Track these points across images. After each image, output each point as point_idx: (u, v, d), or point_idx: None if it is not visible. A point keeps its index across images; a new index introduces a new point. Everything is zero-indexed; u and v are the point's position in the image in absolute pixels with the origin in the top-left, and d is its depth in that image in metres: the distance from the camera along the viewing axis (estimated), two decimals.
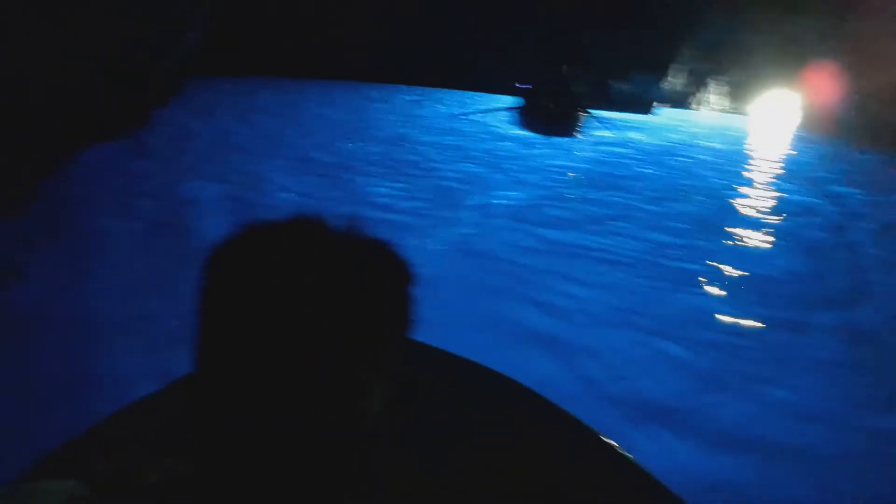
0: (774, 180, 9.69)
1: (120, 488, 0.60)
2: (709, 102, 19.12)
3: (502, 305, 3.97)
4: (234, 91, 13.87)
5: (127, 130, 7.36)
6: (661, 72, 17.49)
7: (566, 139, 11.41)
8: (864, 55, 15.28)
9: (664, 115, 17.45)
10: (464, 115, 13.21)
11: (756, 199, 7.95)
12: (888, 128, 13.88)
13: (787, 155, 12.94)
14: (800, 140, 15.27)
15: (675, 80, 18.20)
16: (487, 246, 5.15)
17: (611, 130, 12.45)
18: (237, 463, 0.57)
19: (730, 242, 5.94)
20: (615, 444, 0.93)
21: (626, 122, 14.83)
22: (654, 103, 17.63)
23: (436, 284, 4.10)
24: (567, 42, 16.57)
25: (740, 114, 18.76)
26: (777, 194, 8.54)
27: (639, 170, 9.41)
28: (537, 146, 10.60)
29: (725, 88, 18.85)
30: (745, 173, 10.07)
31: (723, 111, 19.04)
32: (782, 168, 11.04)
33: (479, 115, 13.11)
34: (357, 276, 0.59)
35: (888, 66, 14.65)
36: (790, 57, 17.13)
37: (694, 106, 19.08)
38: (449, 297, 3.76)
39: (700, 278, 4.79)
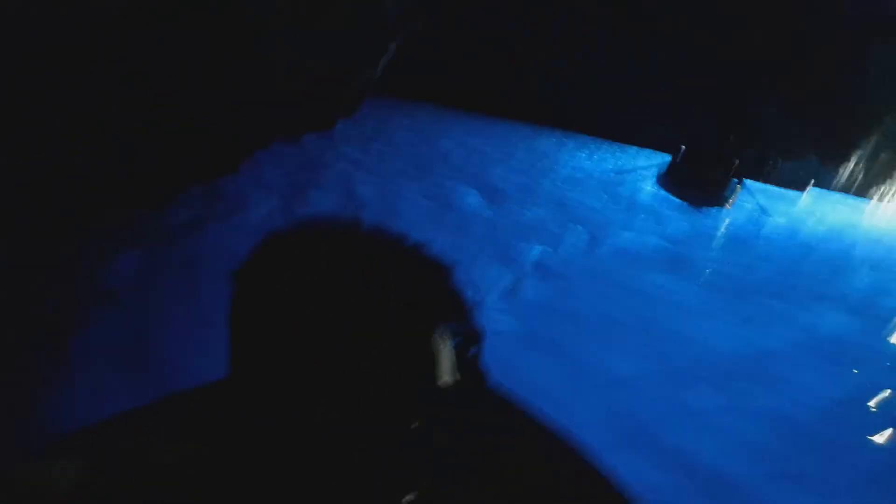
0: None
1: (129, 471, 0.62)
2: (893, 195, 17.44)
3: None
4: (398, 113, 14.73)
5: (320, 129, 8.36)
6: (841, 156, 16.19)
7: (715, 208, 10.94)
8: None
9: (829, 200, 16.13)
10: (620, 172, 13.06)
11: None
12: None
13: None
14: None
15: (856, 168, 16.74)
16: None
17: (761, 207, 11.78)
18: (265, 452, 0.58)
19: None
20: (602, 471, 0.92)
21: (780, 197, 13.95)
22: (811, 182, 16.41)
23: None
24: (734, 111, 15.91)
25: None
26: None
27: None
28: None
29: None
30: None
31: None
32: None
33: (634, 171, 12.88)
34: (377, 281, 0.58)
35: None
36: None
37: (875, 198, 17.47)
38: None
39: None
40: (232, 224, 5.16)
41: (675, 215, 9.81)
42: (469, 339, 0.64)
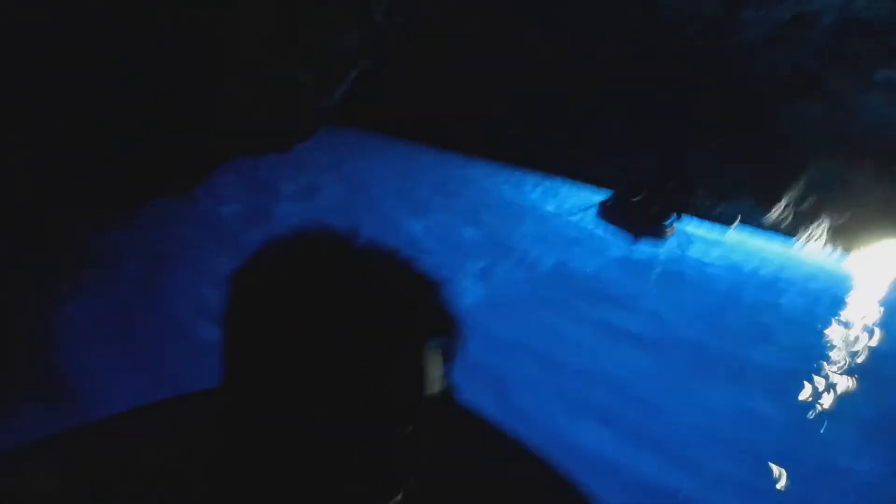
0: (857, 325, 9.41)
1: (106, 479, 0.61)
2: (817, 242, 18.61)
3: None
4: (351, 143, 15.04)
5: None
6: (768, 199, 17.40)
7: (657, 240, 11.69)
8: None
9: (760, 237, 17.31)
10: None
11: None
12: None
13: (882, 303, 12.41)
14: None
15: (783, 213, 17.95)
16: None
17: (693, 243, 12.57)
18: (260, 456, 0.58)
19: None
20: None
21: (713, 239, 14.91)
22: (738, 218, 17.54)
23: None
24: (675, 153, 16.86)
25: (844, 255, 18.14)
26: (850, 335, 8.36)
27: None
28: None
29: (835, 228, 18.33)
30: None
31: (826, 249, 18.48)
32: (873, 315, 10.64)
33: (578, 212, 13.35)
34: (377, 287, 0.59)
35: None
36: None
37: (800, 241, 18.64)
38: None
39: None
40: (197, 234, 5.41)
41: (615, 245, 10.57)
42: (448, 352, 0.67)
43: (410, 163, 14.86)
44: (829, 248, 18.35)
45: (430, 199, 10.82)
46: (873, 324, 9.41)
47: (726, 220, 17.77)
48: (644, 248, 11.16)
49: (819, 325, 8.48)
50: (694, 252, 12.52)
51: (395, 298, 0.59)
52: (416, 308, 0.60)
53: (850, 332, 8.44)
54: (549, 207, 13.64)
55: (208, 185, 6.63)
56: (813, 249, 18.19)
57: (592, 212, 12.87)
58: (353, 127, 15.51)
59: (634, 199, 11.96)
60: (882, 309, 11.33)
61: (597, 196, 13.97)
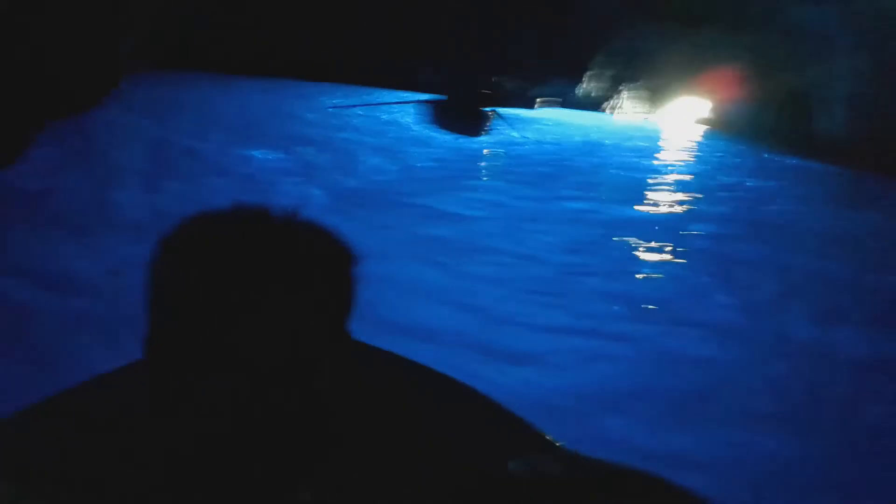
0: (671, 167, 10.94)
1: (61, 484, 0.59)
2: (622, 108, 20.33)
3: None
4: None
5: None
6: (576, 77, 18.73)
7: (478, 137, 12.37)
8: (760, 64, 16.65)
9: (578, 117, 18.70)
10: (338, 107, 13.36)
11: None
12: (779, 128, 15.29)
13: (689, 151, 14.27)
14: (704, 141, 16.61)
15: (590, 86, 19.42)
16: None
17: (517, 130, 13.39)
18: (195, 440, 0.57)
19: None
20: (560, 444, 0.84)
21: (533, 119, 16.04)
22: (537, 100, 18.79)
23: None
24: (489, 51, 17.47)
25: (652, 118, 20.05)
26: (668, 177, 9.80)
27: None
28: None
29: (638, 94, 20.10)
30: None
31: (636, 115, 20.29)
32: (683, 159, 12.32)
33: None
34: (300, 257, 0.59)
35: (779, 74, 16.04)
36: (696, 65, 18.44)
37: (608, 111, 20.28)
38: None
39: None
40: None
41: (442, 141, 11.22)
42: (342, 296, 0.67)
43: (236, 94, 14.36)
44: (637, 111, 20.18)
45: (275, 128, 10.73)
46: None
47: (540, 102, 18.96)
48: (472, 140, 11.87)
49: (642, 168, 10.67)
50: (523, 133, 13.34)
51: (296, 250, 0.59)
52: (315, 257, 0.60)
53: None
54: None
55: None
56: (623, 115, 19.94)
57: (414, 115, 13.14)
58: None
59: (451, 97, 12.43)
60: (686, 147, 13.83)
61: (411, 98, 14.15)
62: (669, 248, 6.24)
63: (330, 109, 13.14)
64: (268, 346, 0.54)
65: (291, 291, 0.57)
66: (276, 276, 0.56)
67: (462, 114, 12.29)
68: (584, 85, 19.28)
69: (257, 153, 8.64)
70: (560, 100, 18.87)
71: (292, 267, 0.58)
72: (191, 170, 7.39)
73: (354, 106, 13.72)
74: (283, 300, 0.56)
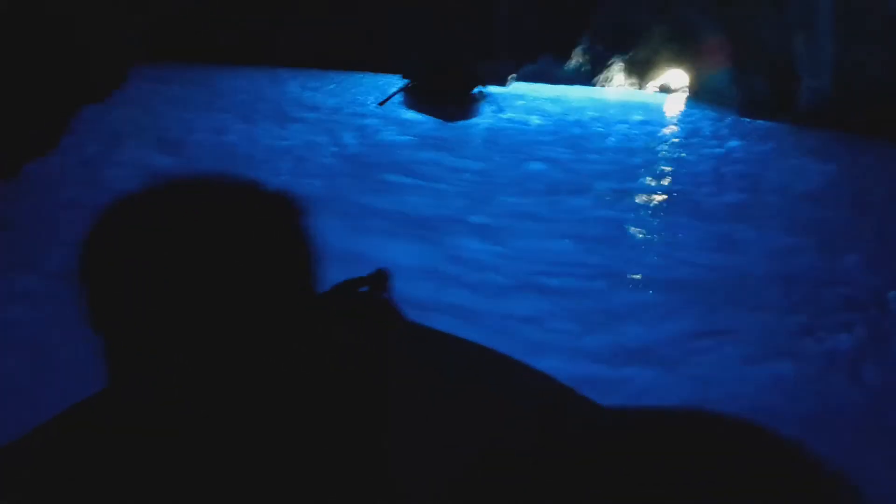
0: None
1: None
2: (613, 81, 20.64)
3: None
4: None
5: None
6: (565, 53, 19.04)
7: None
8: (741, 36, 16.95)
9: (573, 92, 18.95)
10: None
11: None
12: (758, 97, 15.69)
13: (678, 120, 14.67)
14: (687, 110, 17.02)
15: (580, 61, 19.73)
16: None
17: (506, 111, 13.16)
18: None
19: None
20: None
21: (523, 96, 16.24)
22: (510, 77, 18.66)
23: None
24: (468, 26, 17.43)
25: (641, 89, 20.37)
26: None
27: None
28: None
29: (628, 67, 20.40)
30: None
31: (628, 87, 20.60)
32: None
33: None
34: (246, 216, 0.55)
35: (759, 46, 16.34)
36: (683, 37, 18.72)
37: (600, 84, 20.58)
38: None
39: None
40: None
41: (433, 129, 11.17)
42: (379, 283, 0.67)
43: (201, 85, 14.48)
44: (629, 83, 20.48)
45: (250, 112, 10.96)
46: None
47: (530, 79, 19.16)
48: (463, 124, 11.46)
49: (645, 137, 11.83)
50: (513, 113, 13.18)
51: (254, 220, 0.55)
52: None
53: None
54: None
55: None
56: (614, 87, 20.23)
57: (398, 101, 12.49)
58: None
59: (435, 82, 11.97)
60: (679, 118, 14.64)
61: (394, 84, 13.68)
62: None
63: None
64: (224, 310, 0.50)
65: (242, 252, 0.53)
66: (225, 240, 0.52)
67: (444, 97, 11.82)
68: (574, 60, 19.57)
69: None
70: (551, 75, 19.04)
71: (238, 228, 0.54)
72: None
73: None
74: (234, 261, 0.52)
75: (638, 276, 5.08)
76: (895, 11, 12.15)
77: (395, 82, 13.65)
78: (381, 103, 12.14)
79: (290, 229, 0.57)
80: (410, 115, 11.71)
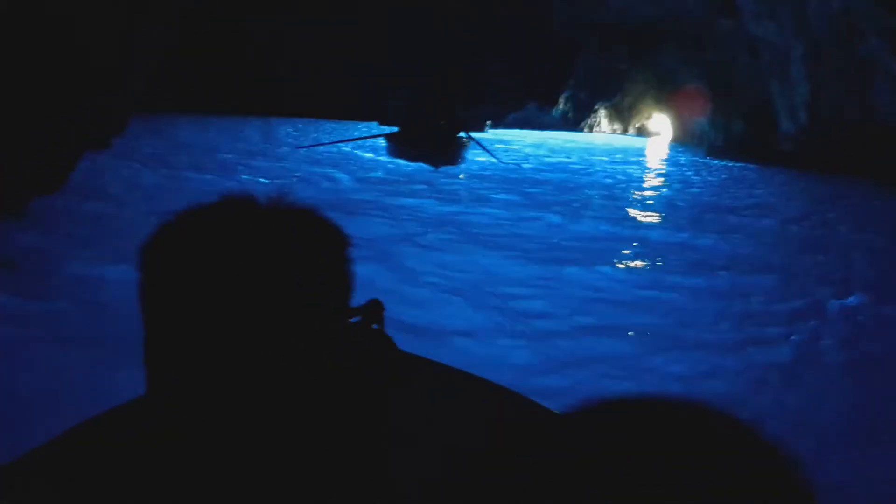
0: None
1: None
2: (599, 126, 21.22)
3: None
4: None
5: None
6: (551, 100, 19.62)
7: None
8: (719, 82, 17.55)
9: (562, 138, 19.44)
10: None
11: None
12: (736, 140, 16.25)
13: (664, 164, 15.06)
14: (670, 151, 17.47)
15: (566, 107, 20.32)
16: None
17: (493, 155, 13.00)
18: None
19: None
20: None
21: (512, 141, 16.54)
22: (488, 125, 19.02)
23: None
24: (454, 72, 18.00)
25: (625, 133, 20.93)
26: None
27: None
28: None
29: (609, 112, 21.00)
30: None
31: (612, 132, 21.15)
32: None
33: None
34: (292, 242, 0.56)
35: (737, 91, 16.93)
36: (662, 83, 19.36)
37: (587, 129, 21.14)
38: None
39: None
40: None
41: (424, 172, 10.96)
42: (371, 315, 0.69)
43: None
44: (612, 128, 21.04)
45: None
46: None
47: (517, 125, 19.70)
48: (452, 170, 11.27)
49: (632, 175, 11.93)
50: (504, 158, 13.26)
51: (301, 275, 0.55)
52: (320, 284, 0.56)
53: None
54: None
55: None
56: (601, 132, 20.79)
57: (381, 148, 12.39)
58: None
59: (420, 129, 11.70)
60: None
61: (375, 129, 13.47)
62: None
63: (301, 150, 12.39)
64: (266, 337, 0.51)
65: (285, 278, 0.53)
66: (264, 266, 0.53)
67: (430, 143, 11.60)
68: (561, 106, 20.17)
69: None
70: (538, 121, 19.57)
71: (284, 254, 0.54)
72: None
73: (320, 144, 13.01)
74: (276, 288, 0.53)
75: None
76: (866, 54, 12.65)
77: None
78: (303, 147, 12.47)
79: (331, 255, 0.58)
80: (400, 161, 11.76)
